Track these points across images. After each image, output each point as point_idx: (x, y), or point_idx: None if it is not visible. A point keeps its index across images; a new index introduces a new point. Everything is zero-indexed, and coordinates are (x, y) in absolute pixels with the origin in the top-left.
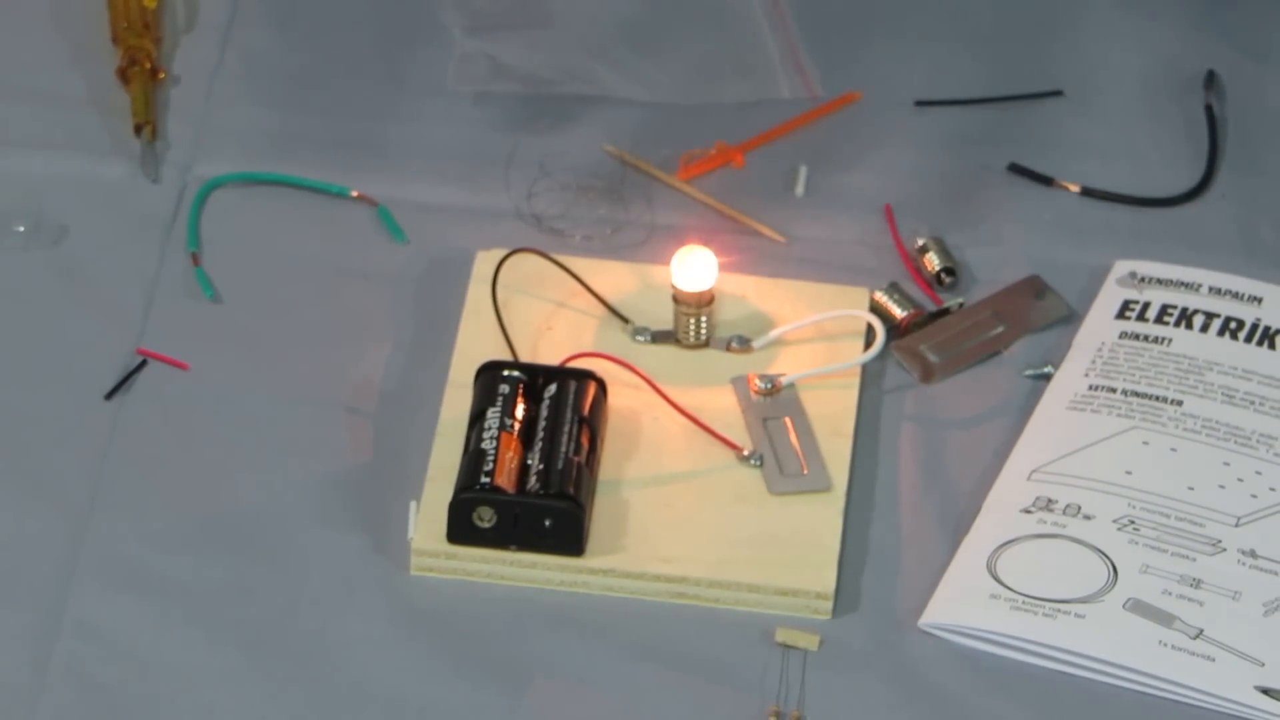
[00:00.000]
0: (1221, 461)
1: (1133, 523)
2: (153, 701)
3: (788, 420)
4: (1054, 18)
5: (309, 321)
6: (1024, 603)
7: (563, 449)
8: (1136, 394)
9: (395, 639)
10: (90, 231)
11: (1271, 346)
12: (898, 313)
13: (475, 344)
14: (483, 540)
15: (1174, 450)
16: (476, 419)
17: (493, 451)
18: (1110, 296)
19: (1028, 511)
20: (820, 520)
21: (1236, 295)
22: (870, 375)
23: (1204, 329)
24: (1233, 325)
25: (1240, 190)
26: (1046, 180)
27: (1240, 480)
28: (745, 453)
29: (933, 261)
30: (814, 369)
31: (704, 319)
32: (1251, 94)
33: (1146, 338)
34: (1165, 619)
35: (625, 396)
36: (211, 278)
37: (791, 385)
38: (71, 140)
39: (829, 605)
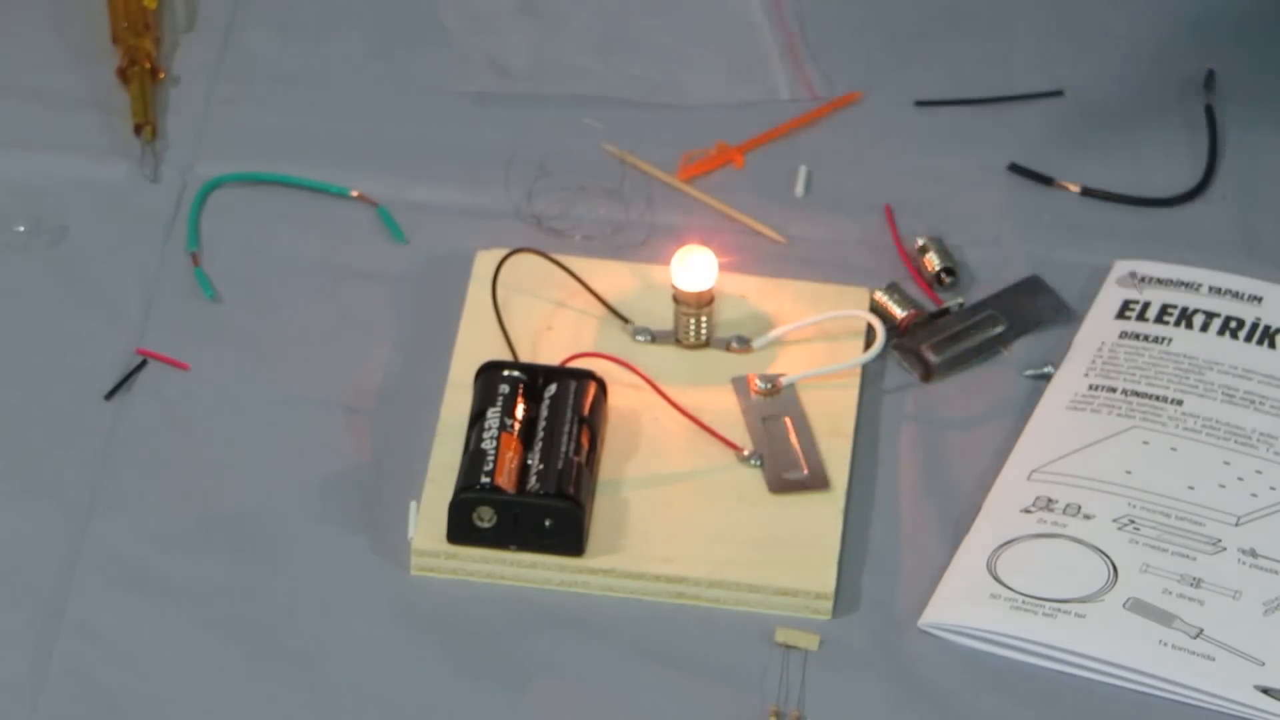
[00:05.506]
0: (1221, 461)
1: (1133, 522)
2: (153, 701)
3: (788, 420)
4: (1054, 18)
5: (309, 321)
6: (1024, 602)
7: (563, 449)
8: (1136, 394)
9: (395, 639)
10: (90, 231)
11: (1271, 346)
12: (898, 313)
13: (475, 344)
14: (483, 540)
15: (1174, 450)
16: (476, 419)
17: (493, 451)
18: (1110, 296)
19: (1028, 511)
20: (820, 520)
21: (1236, 295)
22: (870, 375)
23: (1204, 328)
24: (1233, 325)
25: (1240, 190)
26: (1046, 180)
27: (1240, 479)
28: (745, 453)
29: (933, 261)
30: (814, 369)
31: (704, 319)
32: (1251, 94)
33: (1146, 337)
34: (1165, 618)
35: (625, 396)
36: (211, 278)
37: (791, 385)
38: (71, 140)
39: (829, 605)
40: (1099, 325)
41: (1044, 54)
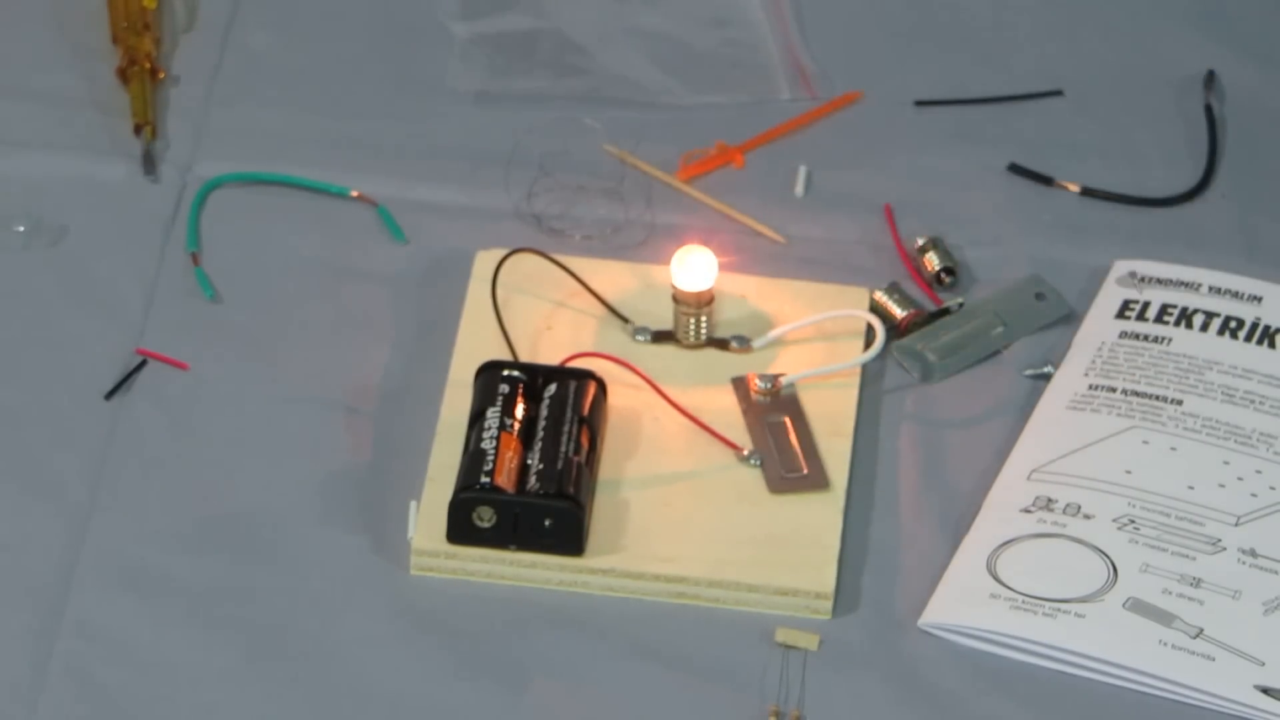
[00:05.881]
0: (1221, 460)
1: (1133, 522)
2: (153, 701)
3: (787, 420)
4: (1054, 18)
5: (309, 321)
6: (1024, 602)
7: (563, 449)
8: (1136, 393)
9: (395, 639)
10: (90, 231)
11: (1271, 345)
12: (898, 313)
13: (475, 344)
14: (483, 540)
15: (1174, 449)
16: (476, 419)
17: (492, 451)
18: (1110, 296)
19: (1027, 511)
20: (820, 520)
21: (1236, 295)
22: (870, 375)
23: (1204, 328)
24: (1232, 324)
25: (1240, 190)
26: (1046, 180)
27: (1240, 479)
28: (745, 453)
29: (933, 261)
30: (814, 369)
31: (704, 319)
32: (1251, 94)
33: (1146, 337)
34: (1165, 618)
35: (625, 396)
36: (211, 278)
37: (791, 385)
38: (71, 140)
39: (829, 605)
40: (1099, 325)
41: (1044, 54)
